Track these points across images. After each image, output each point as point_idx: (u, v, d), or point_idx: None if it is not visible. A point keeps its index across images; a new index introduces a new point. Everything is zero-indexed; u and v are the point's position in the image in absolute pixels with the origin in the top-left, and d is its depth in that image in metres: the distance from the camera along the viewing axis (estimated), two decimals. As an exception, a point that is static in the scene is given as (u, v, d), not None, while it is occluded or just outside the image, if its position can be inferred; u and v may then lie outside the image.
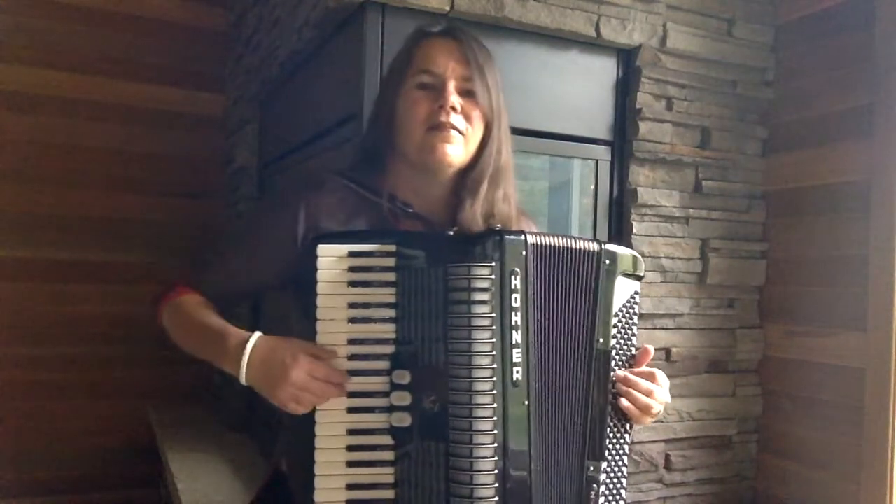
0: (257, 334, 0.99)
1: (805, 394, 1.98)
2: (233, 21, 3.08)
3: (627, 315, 1.10)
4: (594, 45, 1.85)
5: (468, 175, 1.14)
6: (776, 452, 2.05)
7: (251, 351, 0.97)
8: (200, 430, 2.67)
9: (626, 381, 1.09)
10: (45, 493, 2.90)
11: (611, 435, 1.08)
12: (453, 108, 1.09)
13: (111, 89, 3.02)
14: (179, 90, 3.14)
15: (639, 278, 1.13)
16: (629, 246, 1.86)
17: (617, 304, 1.09)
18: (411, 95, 1.11)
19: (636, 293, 1.12)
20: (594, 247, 1.07)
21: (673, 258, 1.94)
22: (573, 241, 1.06)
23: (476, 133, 1.13)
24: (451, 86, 1.10)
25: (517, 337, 0.99)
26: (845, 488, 1.86)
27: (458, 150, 1.11)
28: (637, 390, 1.08)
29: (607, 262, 1.07)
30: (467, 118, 1.11)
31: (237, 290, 1.17)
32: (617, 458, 1.09)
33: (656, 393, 1.10)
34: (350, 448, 0.98)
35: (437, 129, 1.09)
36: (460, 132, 1.10)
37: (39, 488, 2.89)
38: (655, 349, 1.89)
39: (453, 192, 1.15)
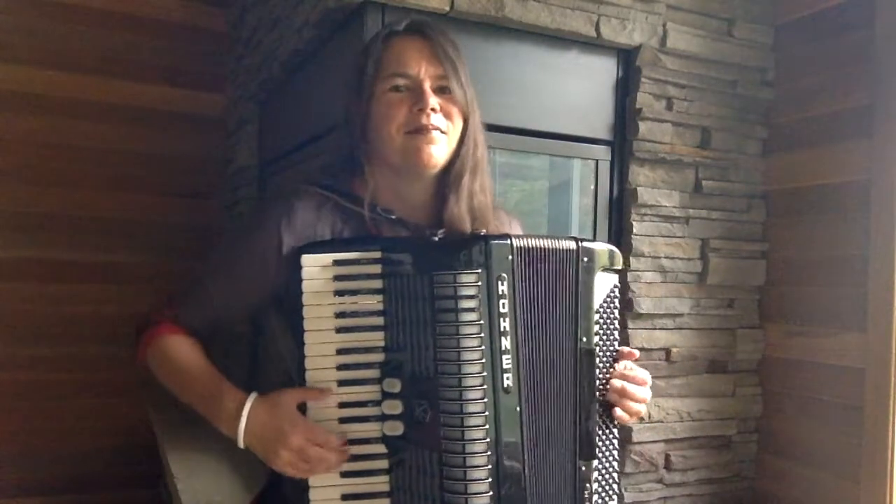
0: (253, 397, 0.98)
1: (805, 394, 1.98)
2: (233, 21, 3.08)
3: (608, 310, 1.10)
4: (594, 45, 1.85)
5: (450, 172, 1.12)
6: (776, 452, 2.05)
7: (247, 417, 0.96)
8: (200, 430, 2.66)
9: (622, 392, 1.09)
10: (46, 493, 2.90)
11: (600, 433, 1.08)
12: (433, 110, 1.07)
13: (111, 89, 3.01)
14: (179, 90, 3.14)
15: (617, 271, 1.12)
16: (629, 246, 1.87)
17: (598, 300, 1.08)
18: (386, 99, 1.09)
19: (615, 286, 1.11)
20: (571, 245, 1.06)
21: (673, 258, 1.94)
22: (553, 241, 1.05)
23: (456, 129, 1.11)
24: (427, 86, 1.08)
25: (506, 343, 0.98)
26: (845, 488, 1.86)
27: (441, 150, 1.09)
28: (633, 400, 1.09)
29: (585, 259, 1.06)
30: (447, 116, 1.09)
31: (221, 317, 1.13)
32: (607, 454, 1.09)
33: (648, 395, 1.12)
34: None
35: (419, 132, 1.07)
36: (442, 132, 1.09)
37: (40, 488, 2.89)
38: (655, 349, 1.92)
39: (436, 191, 1.14)
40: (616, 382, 1.08)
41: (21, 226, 2.88)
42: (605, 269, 1.09)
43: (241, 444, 0.97)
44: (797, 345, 2.01)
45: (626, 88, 1.91)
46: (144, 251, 3.05)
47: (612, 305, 1.10)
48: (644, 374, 1.13)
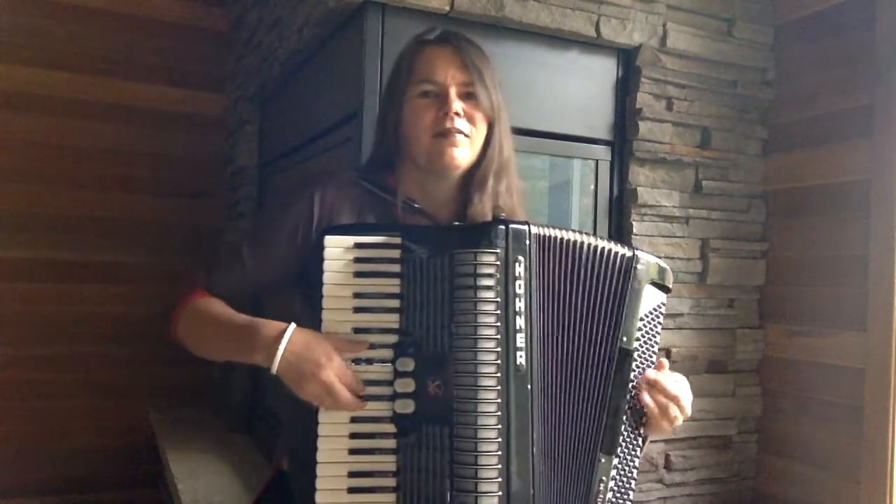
0: (293, 326, 1.01)
1: (805, 394, 1.98)
2: (233, 21, 3.08)
3: (652, 322, 1.12)
4: (594, 45, 1.85)
5: (474, 173, 1.19)
6: (776, 452, 2.05)
7: (288, 341, 0.99)
8: (200, 430, 2.67)
9: (655, 384, 1.10)
10: (45, 493, 2.90)
11: (625, 433, 1.09)
12: (457, 114, 1.14)
13: (111, 89, 3.02)
14: (179, 90, 3.15)
15: (667, 290, 1.15)
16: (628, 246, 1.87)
17: (644, 309, 1.11)
18: (415, 104, 1.16)
19: (662, 304, 1.14)
20: (626, 251, 1.09)
21: (673, 258, 1.94)
22: (596, 239, 1.09)
23: (480, 133, 1.18)
24: (453, 92, 1.15)
25: (520, 322, 1.01)
26: (845, 488, 1.86)
27: (464, 153, 1.16)
28: (664, 395, 1.10)
29: (638, 267, 1.09)
30: (470, 120, 1.16)
31: (253, 287, 1.19)
32: (629, 456, 1.10)
33: (683, 399, 1.12)
34: (353, 436, 0.99)
35: (444, 135, 1.14)
36: (465, 135, 1.15)
37: (39, 488, 2.89)
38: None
39: (459, 191, 1.20)
40: (650, 373, 1.11)
41: (21, 226, 2.88)
42: (656, 284, 1.12)
43: (275, 367, 0.99)
44: (797, 345, 2.01)
45: (626, 88, 1.91)
46: (144, 251, 3.06)
47: (656, 320, 1.13)
48: (679, 376, 1.14)
